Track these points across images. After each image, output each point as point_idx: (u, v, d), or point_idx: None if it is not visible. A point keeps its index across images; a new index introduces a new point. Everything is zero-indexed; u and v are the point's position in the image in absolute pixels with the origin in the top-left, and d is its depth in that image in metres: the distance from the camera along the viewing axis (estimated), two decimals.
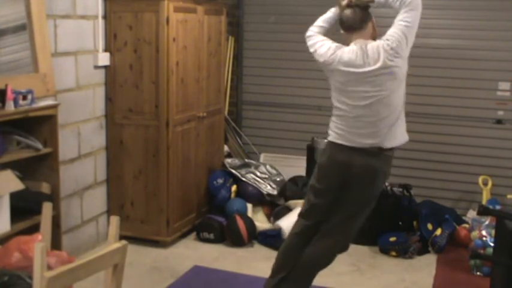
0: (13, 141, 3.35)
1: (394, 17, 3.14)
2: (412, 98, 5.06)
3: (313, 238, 3.34)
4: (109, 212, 4.53)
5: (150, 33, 4.24)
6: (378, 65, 3.08)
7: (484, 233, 4.18)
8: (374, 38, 3.21)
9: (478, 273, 4.14)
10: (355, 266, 4.26)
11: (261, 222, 4.81)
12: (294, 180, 5.15)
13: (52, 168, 3.55)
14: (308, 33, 3.38)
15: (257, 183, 5.00)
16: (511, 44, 5.02)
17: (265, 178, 5.09)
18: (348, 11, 3.22)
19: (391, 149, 3.24)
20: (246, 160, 5.37)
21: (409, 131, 3.30)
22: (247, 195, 4.94)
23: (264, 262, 4.08)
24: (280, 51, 5.67)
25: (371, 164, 3.18)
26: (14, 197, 3.21)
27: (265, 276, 3.49)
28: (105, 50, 4.34)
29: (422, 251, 4.52)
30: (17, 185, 3.22)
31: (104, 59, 4.31)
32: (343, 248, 3.39)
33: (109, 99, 4.42)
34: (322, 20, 3.40)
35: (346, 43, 3.23)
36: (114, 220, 2.31)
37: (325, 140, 3.38)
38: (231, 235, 4.55)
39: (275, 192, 5.03)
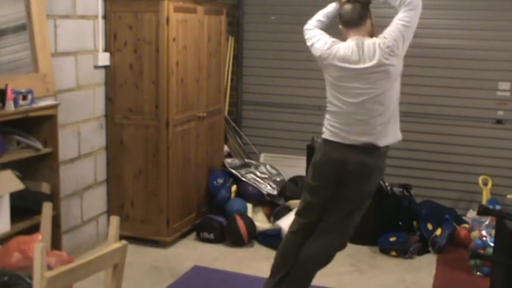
0: (13, 141, 3.35)
1: (394, 17, 3.15)
2: (412, 98, 5.11)
3: (310, 236, 3.34)
4: (109, 212, 4.53)
5: (150, 33, 4.24)
6: (373, 62, 3.08)
7: (484, 233, 4.18)
8: (372, 35, 3.21)
9: (478, 273, 4.14)
10: (355, 266, 4.26)
11: (261, 222, 4.81)
12: (294, 180, 5.15)
13: (52, 168, 3.54)
14: (306, 26, 3.38)
15: (257, 183, 5.00)
16: (511, 44, 5.01)
17: (265, 178, 5.08)
18: (348, 6, 3.22)
19: (386, 146, 3.24)
20: (246, 160, 5.37)
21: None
22: (247, 195, 4.94)
23: (264, 262, 4.07)
24: (280, 51, 5.66)
25: (366, 162, 3.17)
26: (14, 197, 3.21)
27: (265, 276, 3.49)
28: (105, 50, 4.34)
29: (422, 251, 4.52)
30: (17, 185, 3.22)
31: (104, 59, 4.31)
32: (341, 246, 3.38)
33: (109, 99, 4.42)
34: (322, 15, 3.40)
35: (343, 38, 3.23)
36: (114, 220, 2.31)
37: (319, 139, 3.38)
38: (231, 235, 4.55)
39: (275, 192, 5.02)
